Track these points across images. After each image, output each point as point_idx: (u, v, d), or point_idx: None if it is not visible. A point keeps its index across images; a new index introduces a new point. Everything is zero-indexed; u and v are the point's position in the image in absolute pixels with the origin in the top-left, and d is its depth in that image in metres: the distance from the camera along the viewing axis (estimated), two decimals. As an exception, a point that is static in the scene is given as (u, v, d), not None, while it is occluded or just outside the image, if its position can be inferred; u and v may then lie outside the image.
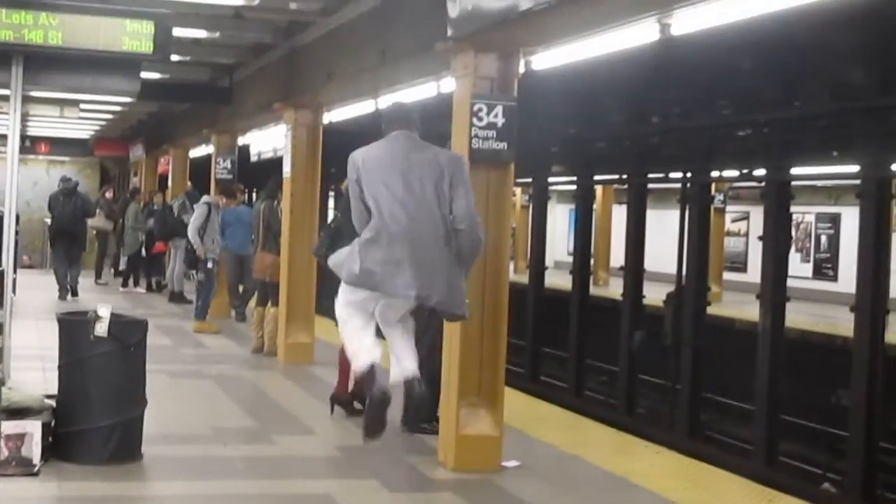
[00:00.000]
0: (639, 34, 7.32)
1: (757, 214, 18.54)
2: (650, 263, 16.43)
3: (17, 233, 10.22)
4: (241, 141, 18.26)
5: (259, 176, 14.85)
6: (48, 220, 20.08)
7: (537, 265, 18.96)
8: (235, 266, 15.08)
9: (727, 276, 23.42)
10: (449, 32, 7.31)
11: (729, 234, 25.34)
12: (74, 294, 17.87)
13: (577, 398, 16.23)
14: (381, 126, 6.29)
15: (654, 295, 16.09)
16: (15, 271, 12.90)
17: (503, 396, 7.35)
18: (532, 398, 10.41)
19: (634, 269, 16.04)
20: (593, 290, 18.91)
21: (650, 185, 17.10)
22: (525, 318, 17.98)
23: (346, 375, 8.12)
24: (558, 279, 20.25)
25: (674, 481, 7.08)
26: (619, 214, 21.89)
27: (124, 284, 20.22)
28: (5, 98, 8.96)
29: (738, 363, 14.79)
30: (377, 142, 6.10)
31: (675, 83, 13.97)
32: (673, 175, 16.67)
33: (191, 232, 14.21)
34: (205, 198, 14.90)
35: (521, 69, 7.50)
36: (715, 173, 15.96)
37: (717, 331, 15.97)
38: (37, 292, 17.84)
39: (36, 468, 6.59)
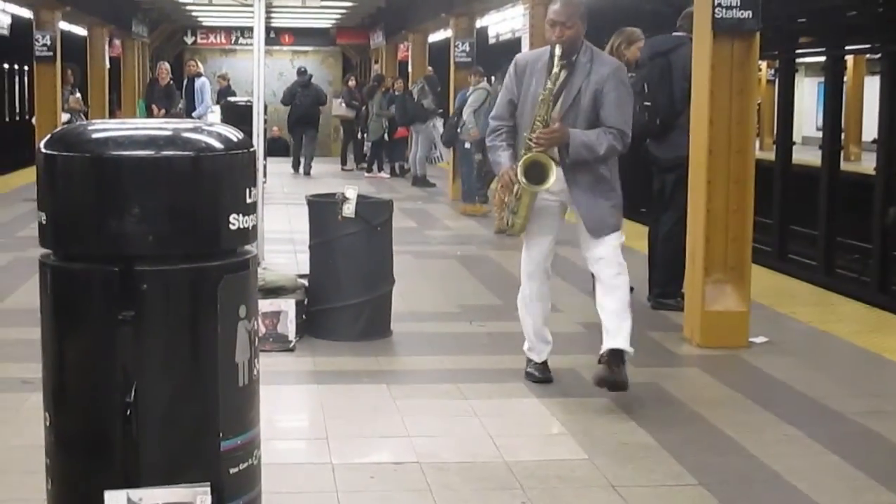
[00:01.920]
0: None
1: None
2: (905, 136, 15.69)
3: (265, 121, 10.54)
4: (478, 24, 18.24)
5: (498, 59, 14.79)
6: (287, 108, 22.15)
7: (784, 140, 18.38)
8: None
9: None
10: None
11: None
12: (307, 173, 20.49)
13: (827, 276, 15.75)
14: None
15: (910, 169, 15.40)
16: (265, 158, 13.38)
17: (750, 272, 7.20)
18: (780, 275, 10.18)
19: (888, 143, 15.36)
20: (844, 166, 18.23)
21: (905, 54, 16.25)
22: (772, 196, 17.51)
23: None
24: (806, 155, 19.60)
25: (931, 358, 6.83)
26: (871, 86, 20.95)
27: (368, 170, 20.66)
28: (250, -11, 9.18)
29: None
30: None
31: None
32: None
33: (467, 113, 14.09)
34: (484, 84, 14.65)
35: (767, -67, 7.19)
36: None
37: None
38: (284, 178, 18.46)
39: (291, 344, 6.86)
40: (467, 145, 14.11)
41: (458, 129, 14.21)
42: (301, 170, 20.74)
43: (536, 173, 5.70)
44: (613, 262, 5.81)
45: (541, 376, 6.16)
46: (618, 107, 5.75)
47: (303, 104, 21.02)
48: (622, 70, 5.91)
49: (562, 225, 6.06)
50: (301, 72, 22.30)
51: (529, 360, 6.24)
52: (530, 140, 5.72)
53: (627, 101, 5.87)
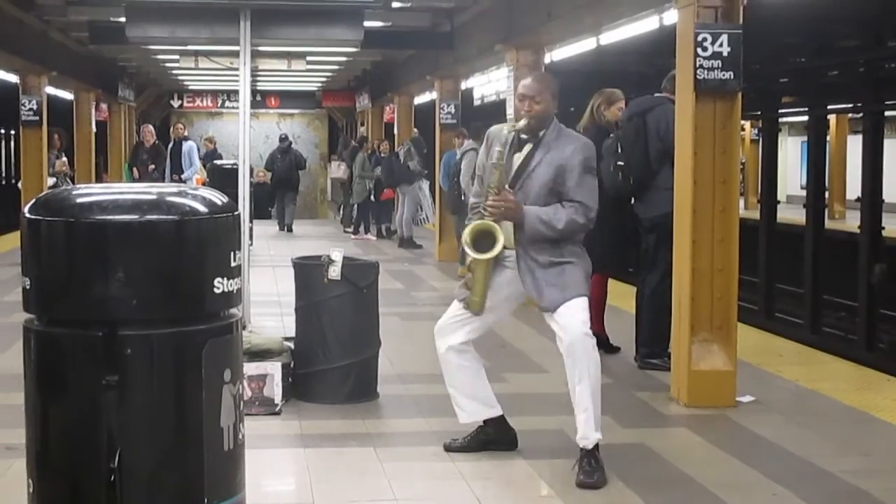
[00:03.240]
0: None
1: None
2: (889, 194, 15.81)
3: (251, 185, 10.56)
4: (463, 86, 18.36)
5: (483, 120, 14.91)
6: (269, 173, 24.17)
7: (769, 199, 18.48)
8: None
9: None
10: (670, -39, 7.14)
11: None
12: (290, 230, 22.05)
13: (813, 334, 15.79)
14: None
15: (894, 227, 15.50)
16: (251, 221, 13.39)
17: (736, 331, 7.20)
18: (766, 334, 10.18)
19: (872, 201, 15.46)
20: (828, 224, 18.32)
21: (888, 113, 16.40)
22: (758, 254, 17.58)
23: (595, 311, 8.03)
24: (791, 214, 19.69)
25: (919, 415, 6.83)
26: (854, 145, 21.11)
27: (355, 232, 20.71)
28: (235, 54, 9.24)
29: None
30: None
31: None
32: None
33: (465, 181, 13.83)
34: (470, 143, 14.44)
35: (747, -4, 7.28)
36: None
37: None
38: (271, 241, 18.49)
39: (278, 407, 6.83)
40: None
41: (462, 198, 14.03)
42: (286, 230, 22.17)
43: (487, 243, 5.51)
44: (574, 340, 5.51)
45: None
46: (580, 182, 5.54)
47: (281, 168, 22.84)
48: (589, 148, 5.69)
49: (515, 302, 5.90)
50: (281, 138, 24.06)
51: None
52: (483, 210, 5.57)
53: (591, 178, 5.62)
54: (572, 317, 5.49)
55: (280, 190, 22.94)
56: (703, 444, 6.28)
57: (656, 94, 8.27)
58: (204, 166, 19.16)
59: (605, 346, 8.28)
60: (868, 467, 5.83)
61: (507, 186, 5.55)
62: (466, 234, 5.54)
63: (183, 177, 18.20)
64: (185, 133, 19.98)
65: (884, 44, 15.49)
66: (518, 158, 5.62)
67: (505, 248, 5.53)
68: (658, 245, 7.83)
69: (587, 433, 5.50)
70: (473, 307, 5.67)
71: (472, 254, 5.54)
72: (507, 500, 5.27)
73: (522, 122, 5.60)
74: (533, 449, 6.00)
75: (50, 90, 18.90)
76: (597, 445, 5.50)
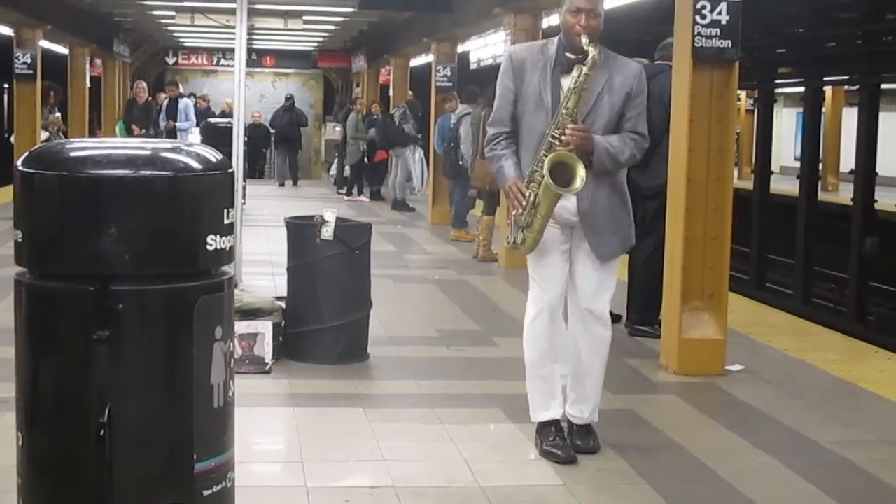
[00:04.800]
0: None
1: None
2: (882, 167, 15.80)
3: (245, 143, 10.53)
4: (460, 49, 18.29)
5: (479, 84, 14.87)
6: (272, 130, 26.04)
7: (763, 169, 18.48)
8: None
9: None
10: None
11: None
12: (295, 182, 23.79)
13: (804, 305, 15.82)
14: None
15: (887, 200, 15.51)
16: (244, 180, 13.37)
17: (727, 300, 7.22)
18: (757, 304, 10.21)
19: (866, 174, 15.46)
20: (822, 196, 18.33)
21: (883, 86, 16.37)
22: (750, 225, 17.59)
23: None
24: (785, 185, 19.70)
25: (907, 388, 6.86)
26: (850, 117, 21.10)
27: (348, 193, 20.68)
28: (232, 12, 9.19)
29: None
30: None
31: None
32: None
33: (465, 146, 13.70)
34: (464, 108, 14.38)
35: (747, -36, 7.25)
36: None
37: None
38: (264, 200, 18.47)
39: (268, 366, 6.84)
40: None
41: (460, 162, 14.00)
42: (287, 182, 23.76)
43: (560, 175, 4.96)
44: (606, 306, 5.34)
45: (563, 455, 5.28)
46: (642, 112, 5.22)
47: (282, 124, 24.46)
48: (644, 74, 5.33)
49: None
50: (287, 97, 25.77)
51: (541, 428, 5.43)
52: (554, 138, 4.99)
53: (646, 108, 5.31)
54: (608, 291, 5.32)
55: (282, 145, 24.47)
56: (691, 412, 6.30)
57: (656, 62, 8.23)
58: (198, 124, 19.20)
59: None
60: (854, 438, 5.86)
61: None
62: (547, 162, 4.94)
63: (178, 126, 18.37)
64: (181, 91, 20.09)
65: (882, 17, 15.45)
66: (570, 81, 5.07)
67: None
68: (657, 213, 7.80)
69: (594, 414, 5.45)
70: (527, 246, 5.12)
71: (552, 184, 4.93)
72: (495, 463, 5.29)
73: (586, 40, 5.02)
74: (522, 413, 6.01)
75: (44, 44, 18.81)
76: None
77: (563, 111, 5.01)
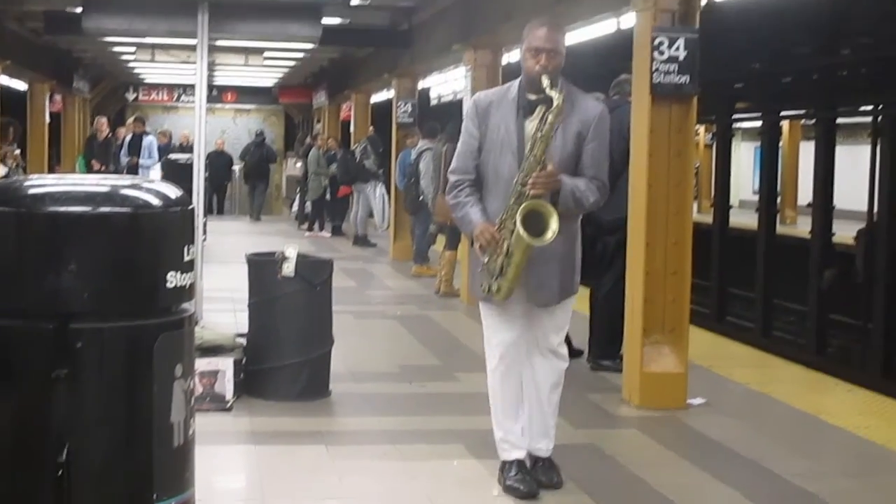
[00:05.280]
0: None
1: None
2: (840, 200, 15.94)
3: (206, 179, 10.50)
4: (421, 85, 18.35)
5: (440, 120, 14.93)
6: (239, 166, 26.32)
7: (722, 203, 18.60)
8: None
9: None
10: (629, -36, 7.17)
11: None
12: (258, 218, 23.76)
13: (764, 338, 15.90)
14: None
15: (844, 233, 15.64)
16: (205, 216, 13.32)
17: (688, 334, 7.25)
18: (718, 337, 10.25)
19: (824, 206, 15.59)
20: (780, 229, 18.47)
21: (839, 120, 16.55)
22: (710, 258, 17.69)
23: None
24: (743, 218, 19.83)
25: (866, 419, 6.89)
26: (807, 151, 21.29)
27: (310, 229, 20.66)
28: (192, 48, 9.18)
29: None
30: None
31: (864, 11, 13.43)
32: (863, 108, 16.09)
33: (425, 182, 13.71)
34: (424, 143, 14.32)
35: (704, 1, 7.33)
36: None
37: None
38: (225, 237, 18.39)
39: (229, 404, 6.79)
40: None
41: (420, 198, 14.02)
42: (254, 216, 23.95)
43: (532, 225, 4.87)
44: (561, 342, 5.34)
45: (526, 489, 5.22)
46: (599, 157, 5.11)
47: (253, 160, 24.71)
48: (607, 117, 5.22)
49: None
50: (257, 133, 26.24)
51: (505, 465, 5.36)
52: (524, 186, 4.91)
53: (606, 152, 5.19)
54: (561, 330, 5.32)
55: (251, 180, 24.95)
56: (653, 446, 6.31)
57: (612, 97, 8.28)
58: (159, 160, 19.15)
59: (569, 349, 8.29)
60: (817, 470, 5.88)
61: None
62: (519, 213, 4.83)
63: (141, 163, 18.33)
64: (146, 128, 20.08)
65: (837, 52, 15.63)
66: (531, 124, 5.01)
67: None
68: (617, 247, 7.82)
69: (550, 444, 5.40)
70: (503, 294, 5.01)
71: (525, 236, 4.83)
72: (458, 500, 5.26)
73: (547, 82, 4.93)
74: (485, 448, 5.99)
75: (4, 80, 18.71)
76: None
77: (531, 159, 4.92)
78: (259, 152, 24.80)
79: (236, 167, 26.76)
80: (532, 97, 5.05)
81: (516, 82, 5.19)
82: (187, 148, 21.15)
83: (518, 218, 4.85)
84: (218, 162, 25.37)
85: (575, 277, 5.27)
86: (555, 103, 4.90)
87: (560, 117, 4.94)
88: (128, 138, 19.35)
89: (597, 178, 5.10)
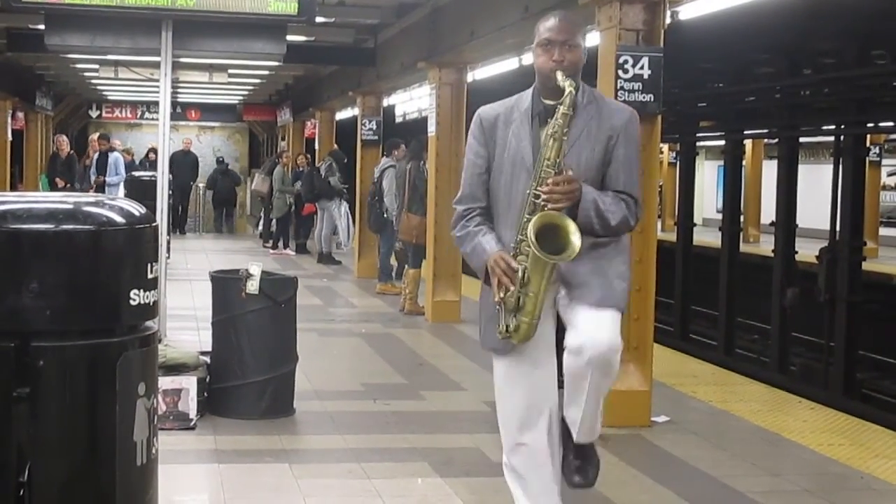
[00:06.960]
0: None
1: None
2: (802, 219, 16.06)
3: (170, 196, 10.46)
4: (385, 102, 18.36)
5: (404, 137, 14.94)
6: (203, 190, 27.71)
7: (685, 222, 18.71)
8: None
9: (884, 231, 22.78)
10: (593, -16, 7.21)
11: (885, 188, 24.62)
12: (231, 231, 25.49)
13: (727, 356, 15.98)
14: None
15: (806, 251, 15.75)
16: (169, 234, 13.27)
17: (652, 352, 7.27)
18: (681, 355, 10.29)
19: (786, 225, 15.70)
20: (743, 248, 18.58)
21: (802, 139, 16.69)
22: (674, 276, 17.77)
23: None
24: (707, 237, 19.95)
25: (829, 437, 6.93)
26: (770, 170, 21.45)
27: (274, 246, 20.60)
28: (156, 65, 9.14)
29: (896, 320, 14.42)
30: None
31: (827, 32, 13.56)
32: (826, 128, 16.23)
33: (388, 199, 13.78)
34: (387, 161, 14.35)
35: (668, 20, 7.37)
36: (870, 125, 15.49)
37: (873, 287, 15.56)
38: (189, 255, 18.34)
39: (192, 422, 6.75)
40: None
41: (384, 215, 14.05)
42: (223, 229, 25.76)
43: (549, 240, 4.07)
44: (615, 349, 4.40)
45: None
46: (630, 166, 4.31)
47: (223, 188, 25.99)
48: (637, 121, 4.41)
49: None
50: (219, 161, 27.50)
51: None
52: (537, 196, 4.11)
53: (637, 163, 4.41)
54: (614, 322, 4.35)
55: (220, 206, 26.44)
56: (617, 464, 6.31)
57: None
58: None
59: None
60: (779, 488, 5.90)
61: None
62: (531, 227, 4.07)
63: (107, 181, 18.28)
64: (111, 144, 20.04)
65: (800, 72, 15.77)
66: (548, 128, 4.20)
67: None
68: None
69: (578, 415, 4.49)
70: (522, 334, 4.20)
71: (540, 255, 4.05)
72: (422, 518, 5.25)
73: (560, 75, 4.17)
74: (449, 467, 6.00)
75: (-35, 97, 18.61)
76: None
77: (545, 163, 4.12)
78: (226, 180, 26.14)
79: (201, 185, 26.97)
80: (549, 102, 4.25)
81: (529, 91, 4.40)
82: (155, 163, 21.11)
83: (531, 232, 4.06)
84: (183, 161, 25.41)
85: (622, 285, 4.37)
86: (566, 92, 4.14)
87: (574, 110, 4.16)
88: (95, 157, 19.30)
89: (627, 192, 4.28)
